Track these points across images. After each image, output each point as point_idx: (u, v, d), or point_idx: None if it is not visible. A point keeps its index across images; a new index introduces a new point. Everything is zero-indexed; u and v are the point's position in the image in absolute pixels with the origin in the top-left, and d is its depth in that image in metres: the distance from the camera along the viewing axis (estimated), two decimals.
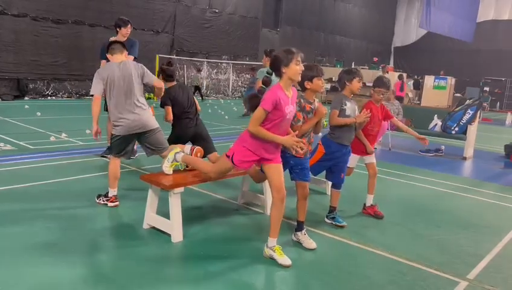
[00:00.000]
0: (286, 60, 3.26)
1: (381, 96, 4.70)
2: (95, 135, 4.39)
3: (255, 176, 4.11)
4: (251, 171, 4.07)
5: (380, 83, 4.70)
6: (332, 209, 4.43)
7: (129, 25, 6.17)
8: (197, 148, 4.20)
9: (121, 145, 4.34)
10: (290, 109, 3.32)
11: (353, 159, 4.69)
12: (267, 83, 3.53)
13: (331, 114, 4.21)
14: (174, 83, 5.33)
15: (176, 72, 5.48)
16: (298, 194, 3.83)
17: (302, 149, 3.30)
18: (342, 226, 4.32)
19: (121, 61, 4.37)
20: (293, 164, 3.75)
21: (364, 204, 4.83)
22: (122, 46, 4.49)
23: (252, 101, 3.38)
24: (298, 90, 3.66)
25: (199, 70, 18.72)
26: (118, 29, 6.16)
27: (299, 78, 3.38)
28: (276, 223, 3.44)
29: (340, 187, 4.43)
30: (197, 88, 17.96)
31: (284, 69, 3.28)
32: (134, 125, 4.32)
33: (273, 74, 3.47)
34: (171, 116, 5.13)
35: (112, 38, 5.97)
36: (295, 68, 3.27)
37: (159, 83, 4.70)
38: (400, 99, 19.34)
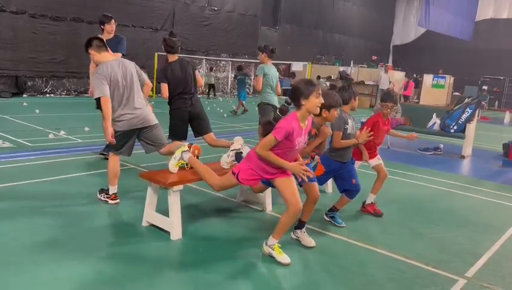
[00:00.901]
0: (307, 91, 3.21)
1: (388, 110, 4.66)
2: (111, 136, 4.14)
3: (255, 187, 4.12)
4: None
5: (387, 97, 4.66)
6: (333, 209, 4.42)
7: (113, 21, 5.94)
8: (194, 145, 4.18)
9: (121, 140, 4.33)
10: (301, 140, 3.30)
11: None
12: (283, 111, 3.53)
13: (334, 136, 4.14)
14: (176, 57, 5.12)
15: (179, 44, 5.23)
16: (309, 197, 3.77)
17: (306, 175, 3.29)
18: (340, 227, 4.32)
19: (116, 59, 4.38)
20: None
21: (364, 202, 4.83)
22: (104, 44, 4.43)
23: (266, 128, 3.37)
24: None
25: (211, 69, 18.99)
26: (102, 26, 5.95)
27: (318, 112, 3.33)
28: (283, 228, 3.43)
29: (353, 197, 4.32)
30: (211, 86, 18.57)
31: (303, 101, 3.23)
32: (137, 120, 4.32)
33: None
34: (166, 94, 5.02)
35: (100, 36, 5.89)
36: (314, 101, 3.23)
37: (149, 82, 4.71)
38: (406, 98, 19.44)
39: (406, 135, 5.04)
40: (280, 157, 3.25)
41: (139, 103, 4.36)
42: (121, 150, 4.38)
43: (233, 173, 3.46)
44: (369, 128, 4.38)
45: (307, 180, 3.34)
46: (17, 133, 7.70)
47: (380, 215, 4.69)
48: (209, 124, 5.36)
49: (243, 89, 13.82)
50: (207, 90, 18.90)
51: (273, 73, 6.51)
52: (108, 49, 4.47)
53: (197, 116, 5.21)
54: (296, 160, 3.39)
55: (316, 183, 3.81)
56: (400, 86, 19.76)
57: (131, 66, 4.42)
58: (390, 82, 18.45)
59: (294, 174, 3.40)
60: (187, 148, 3.97)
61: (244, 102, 13.61)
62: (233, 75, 15.99)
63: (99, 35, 5.86)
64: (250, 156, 3.44)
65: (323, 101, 3.30)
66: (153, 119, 4.48)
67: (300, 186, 3.79)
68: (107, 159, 6.03)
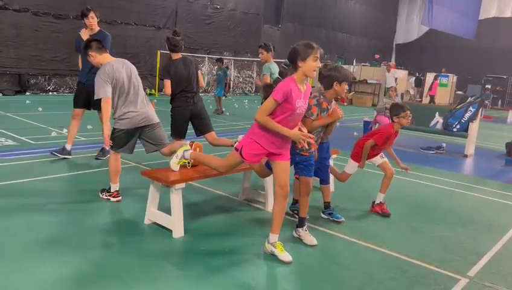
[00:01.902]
0: (304, 54, 3.16)
1: (409, 118, 4.60)
2: (108, 138, 4.22)
3: (259, 171, 4.10)
4: (256, 166, 4.06)
5: (405, 108, 4.63)
6: (327, 205, 4.43)
7: (91, 14, 5.62)
8: (196, 143, 4.19)
9: (123, 139, 4.35)
10: (301, 104, 3.24)
11: (352, 166, 4.73)
12: (283, 74, 3.49)
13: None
14: (180, 55, 5.15)
15: (183, 42, 5.24)
16: (301, 190, 3.81)
17: (309, 145, 3.27)
18: (339, 222, 4.31)
19: (119, 59, 4.41)
20: (298, 160, 3.75)
21: (373, 202, 4.83)
22: (103, 45, 4.42)
23: (266, 91, 3.36)
24: (311, 87, 3.59)
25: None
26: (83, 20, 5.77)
27: (314, 75, 3.28)
28: (278, 219, 3.43)
29: (328, 182, 4.44)
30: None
31: (300, 63, 3.18)
32: (140, 118, 4.35)
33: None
34: (169, 90, 5.03)
35: (83, 31, 5.81)
36: (311, 64, 3.18)
37: None
38: (431, 98, 19.42)
39: (403, 165, 4.96)
40: (281, 125, 3.19)
41: (141, 101, 4.39)
42: (122, 149, 4.40)
43: (237, 150, 3.39)
44: (380, 144, 4.52)
45: (306, 146, 3.32)
46: (20, 131, 7.72)
47: (388, 215, 4.67)
48: (211, 122, 5.37)
49: (221, 86, 13.03)
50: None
51: (277, 72, 6.52)
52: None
53: (198, 115, 5.22)
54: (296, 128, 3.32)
55: (311, 180, 3.80)
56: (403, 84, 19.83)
57: (133, 66, 4.47)
58: (396, 79, 18.45)
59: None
60: (189, 147, 3.98)
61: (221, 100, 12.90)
62: (216, 69, 15.13)
63: (84, 30, 5.83)
64: (252, 129, 3.36)
65: (320, 65, 3.24)
66: (155, 118, 4.51)
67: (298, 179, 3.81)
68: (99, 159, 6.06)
